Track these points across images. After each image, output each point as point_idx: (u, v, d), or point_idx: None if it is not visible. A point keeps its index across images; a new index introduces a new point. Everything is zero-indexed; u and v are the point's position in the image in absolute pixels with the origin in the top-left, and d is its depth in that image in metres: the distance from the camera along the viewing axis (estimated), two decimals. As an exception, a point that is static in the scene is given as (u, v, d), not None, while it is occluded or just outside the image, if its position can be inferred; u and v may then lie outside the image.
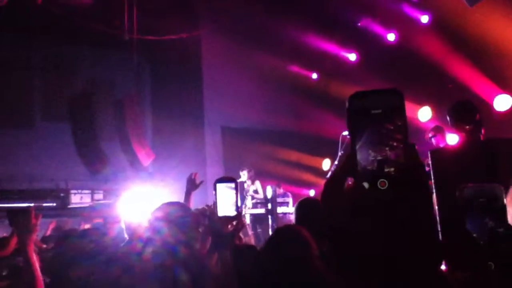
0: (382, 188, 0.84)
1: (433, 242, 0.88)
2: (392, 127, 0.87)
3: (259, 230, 7.54)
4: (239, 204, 2.24)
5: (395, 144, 0.86)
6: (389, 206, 0.85)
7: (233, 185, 2.23)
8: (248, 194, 7.73)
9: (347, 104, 0.92)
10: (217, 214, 2.21)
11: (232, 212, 2.20)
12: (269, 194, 7.47)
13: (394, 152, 0.86)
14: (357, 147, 0.88)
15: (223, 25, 9.06)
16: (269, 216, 7.28)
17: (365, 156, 0.87)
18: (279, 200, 7.58)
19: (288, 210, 7.37)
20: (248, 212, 7.67)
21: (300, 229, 2.22)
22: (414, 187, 0.86)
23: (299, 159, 9.85)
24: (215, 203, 2.24)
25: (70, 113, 10.00)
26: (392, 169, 0.85)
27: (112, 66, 10.33)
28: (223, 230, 2.20)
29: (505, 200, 1.24)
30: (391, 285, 0.83)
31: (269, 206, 7.36)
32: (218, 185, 2.24)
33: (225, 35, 9.02)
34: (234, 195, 2.22)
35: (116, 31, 8.46)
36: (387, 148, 0.86)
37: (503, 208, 1.23)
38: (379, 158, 0.86)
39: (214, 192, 2.24)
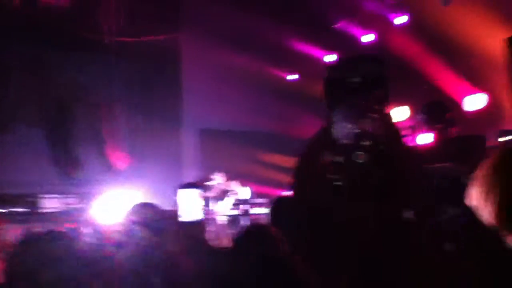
0: (359, 161, 0.80)
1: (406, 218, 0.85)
2: (370, 98, 0.81)
3: (233, 231, 7.52)
4: (203, 208, 2.22)
5: (373, 115, 0.81)
6: (364, 181, 0.82)
7: (196, 190, 2.21)
8: (223, 195, 7.72)
9: (325, 75, 0.85)
10: (180, 219, 2.19)
11: (196, 217, 2.18)
12: (245, 195, 7.48)
13: (372, 124, 0.81)
14: (334, 119, 0.83)
15: (203, 26, 9.03)
16: (244, 217, 7.29)
17: (341, 129, 0.82)
18: (256, 201, 7.59)
19: (263, 211, 7.39)
20: (222, 213, 7.66)
21: (268, 227, 2.20)
22: (391, 158, 0.82)
23: (279, 161, 9.85)
24: (177, 209, 2.22)
25: (44, 116, 9.81)
26: (369, 142, 0.80)
27: (89, 68, 10.17)
28: (187, 234, 2.18)
29: (465, 180, 1.25)
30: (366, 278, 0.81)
31: (244, 207, 7.38)
32: (181, 191, 2.21)
33: (205, 37, 8.99)
34: (199, 200, 2.20)
35: (93, 33, 8.35)
36: (364, 120, 0.81)
37: (463, 190, 1.23)
38: (356, 131, 0.81)
39: (176, 198, 2.23)
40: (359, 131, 0.79)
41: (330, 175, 0.84)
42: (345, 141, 0.80)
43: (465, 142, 3.08)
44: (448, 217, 1.19)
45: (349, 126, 0.80)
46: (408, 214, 0.86)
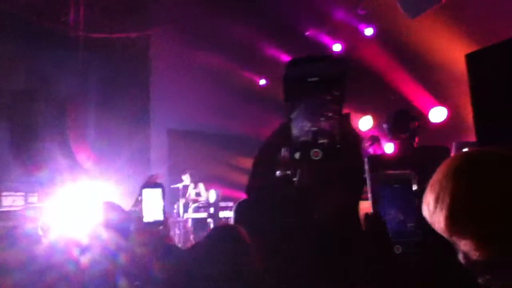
0: (315, 158, 0.82)
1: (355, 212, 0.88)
2: (328, 97, 0.84)
3: (200, 234, 7.49)
4: (165, 209, 2.22)
5: (330, 114, 0.84)
6: (320, 177, 0.84)
7: (159, 190, 2.21)
8: (190, 197, 7.66)
9: (284, 71, 0.88)
10: (142, 219, 2.17)
11: (159, 217, 2.18)
12: (212, 198, 7.44)
13: (329, 123, 0.84)
14: (292, 116, 0.85)
15: (173, 25, 8.95)
16: (211, 220, 7.25)
17: (299, 126, 0.85)
18: (222, 204, 7.56)
19: (231, 214, 7.37)
20: (189, 216, 7.60)
21: (237, 228, 2.23)
22: (346, 157, 0.85)
23: (246, 163, 9.87)
24: (141, 209, 2.21)
25: (7, 111, 9.48)
26: (326, 140, 0.83)
27: (56, 62, 9.90)
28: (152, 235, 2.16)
29: (415, 186, 1.29)
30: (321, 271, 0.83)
31: (212, 210, 7.33)
32: (145, 191, 2.21)
33: (175, 36, 8.92)
34: (161, 200, 2.20)
35: (62, 26, 8.14)
36: (322, 119, 0.83)
37: (413, 195, 1.27)
38: (313, 128, 0.84)
39: (139, 197, 2.22)
40: (316, 129, 0.82)
41: (287, 170, 0.87)
42: (303, 138, 0.83)
43: (429, 152, 3.18)
44: (396, 221, 1.24)
45: (307, 124, 0.83)
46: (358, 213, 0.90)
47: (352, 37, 8.51)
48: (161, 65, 9.58)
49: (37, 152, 9.28)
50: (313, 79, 0.85)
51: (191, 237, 7.46)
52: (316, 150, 0.83)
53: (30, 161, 9.04)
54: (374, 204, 1.20)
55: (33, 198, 6.73)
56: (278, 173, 0.90)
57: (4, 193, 6.33)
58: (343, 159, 0.83)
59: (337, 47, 8.93)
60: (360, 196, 0.89)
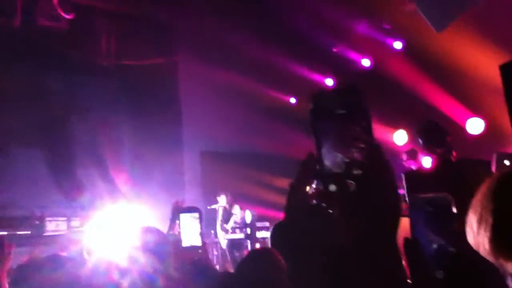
0: (350, 190, 0.81)
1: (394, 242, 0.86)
2: (357, 128, 0.84)
3: (237, 254, 7.46)
4: (203, 234, 2.23)
5: (362, 145, 0.83)
6: (355, 207, 0.82)
7: (197, 214, 2.22)
8: (228, 218, 7.68)
9: (310, 105, 0.88)
10: (181, 244, 2.19)
11: (197, 242, 2.18)
12: (248, 218, 7.43)
13: (361, 154, 0.83)
14: (323, 149, 0.85)
15: (201, 49, 9.14)
16: (248, 241, 7.22)
17: (332, 158, 0.84)
18: (259, 224, 7.52)
19: (267, 234, 7.33)
20: (226, 237, 7.59)
21: (272, 251, 2.22)
22: (381, 187, 0.83)
23: (278, 182, 9.86)
24: (179, 234, 2.23)
25: (45, 139, 9.83)
26: (360, 171, 0.82)
27: (89, 91, 10.25)
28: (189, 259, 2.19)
29: (454, 209, 1.24)
30: None
31: (248, 230, 7.30)
32: (182, 215, 2.23)
33: (203, 59, 9.09)
34: (198, 225, 2.21)
35: (93, 56, 8.45)
36: (354, 150, 0.83)
37: (451, 219, 1.22)
38: (346, 160, 0.83)
39: (178, 222, 2.23)
40: (349, 160, 0.81)
41: (321, 203, 0.86)
42: (335, 170, 0.82)
43: (469, 166, 3.07)
44: (437, 246, 1.20)
45: (339, 155, 0.82)
46: (396, 242, 0.86)
47: (380, 52, 8.46)
48: (191, 88, 9.75)
49: (77, 177, 9.56)
50: (340, 111, 0.85)
51: (228, 258, 7.45)
52: (351, 181, 0.82)
53: (71, 186, 9.31)
54: (413, 228, 1.17)
55: (75, 223, 6.91)
56: (313, 205, 0.89)
57: (48, 218, 6.53)
58: (378, 190, 0.82)
59: (365, 62, 8.90)
60: (397, 227, 0.87)
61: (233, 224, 7.63)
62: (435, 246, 1.18)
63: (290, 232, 0.88)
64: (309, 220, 0.87)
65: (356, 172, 0.82)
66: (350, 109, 0.84)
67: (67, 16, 7.46)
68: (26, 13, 6.97)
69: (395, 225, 0.87)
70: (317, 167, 0.84)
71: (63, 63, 8.70)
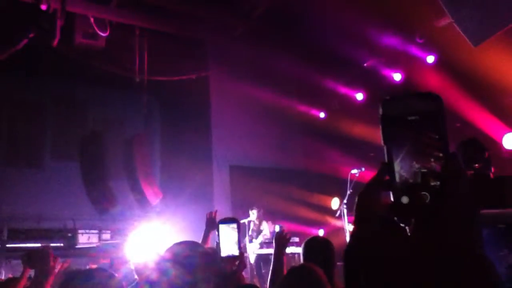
0: (426, 202, 0.75)
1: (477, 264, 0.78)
2: (434, 135, 0.79)
3: (263, 270, 7.39)
4: (241, 244, 2.24)
5: (440, 155, 0.78)
6: (431, 223, 0.76)
7: (235, 225, 2.23)
8: (257, 233, 7.65)
9: (380, 111, 0.82)
10: (220, 254, 2.20)
11: (235, 252, 2.19)
12: (277, 233, 7.35)
13: (438, 163, 0.77)
14: (398, 158, 0.79)
15: (231, 65, 9.25)
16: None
17: (407, 168, 0.78)
18: (288, 240, 7.45)
19: (297, 250, 7.24)
20: (255, 252, 7.54)
21: (314, 268, 2.19)
22: (458, 201, 0.76)
23: (308, 198, 9.77)
24: (218, 244, 2.23)
25: (79, 152, 10.09)
26: (438, 182, 0.76)
27: (122, 106, 10.51)
28: (226, 271, 2.18)
29: None
30: None
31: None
32: (221, 226, 2.24)
33: (233, 75, 9.18)
34: (237, 235, 2.21)
35: (127, 72, 8.66)
36: (432, 159, 0.76)
37: None
38: (423, 170, 0.77)
39: (217, 232, 2.24)
40: (426, 170, 0.75)
41: (394, 216, 0.78)
42: (412, 181, 0.76)
43: (503, 183, 2.96)
44: (508, 263, 1.13)
45: (415, 165, 0.76)
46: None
47: (411, 66, 8.35)
48: (221, 103, 9.85)
49: (108, 190, 9.75)
50: (413, 117, 0.79)
51: (255, 272, 7.39)
52: (425, 193, 0.76)
53: (103, 199, 9.50)
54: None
55: (106, 235, 7.02)
56: (383, 218, 0.81)
57: (80, 231, 6.66)
58: (456, 202, 0.75)
59: (397, 76, 8.79)
60: (476, 241, 0.79)
61: (262, 239, 7.60)
62: (508, 264, 1.11)
63: (362, 249, 0.80)
64: (382, 235, 0.80)
65: (433, 183, 0.76)
66: (424, 114, 0.78)
67: (103, 34, 7.69)
68: (63, 31, 7.22)
69: (474, 239, 0.79)
70: (389, 177, 0.79)
71: (98, 79, 8.96)
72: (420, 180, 0.74)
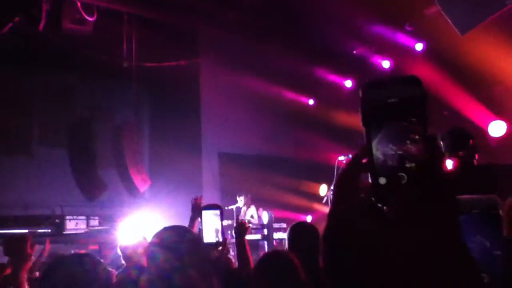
0: (401, 183, 0.77)
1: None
2: (413, 119, 0.80)
3: (253, 256, 7.45)
4: (224, 230, 2.27)
5: (416, 137, 0.79)
6: (407, 204, 0.78)
7: (218, 212, 2.25)
8: (245, 219, 7.70)
9: (360, 94, 0.84)
10: (202, 241, 2.22)
11: (217, 238, 2.21)
12: (265, 219, 7.43)
13: (416, 147, 0.78)
14: (376, 140, 0.81)
15: (221, 52, 9.20)
16: (265, 242, 7.22)
17: (384, 150, 0.80)
18: (276, 226, 7.52)
19: (285, 236, 7.30)
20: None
21: (288, 254, 2.22)
22: (435, 184, 0.78)
23: (296, 185, 9.84)
24: (200, 230, 2.26)
25: (67, 139, 10.02)
26: (414, 164, 0.78)
27: (111, 93, 10.43)
28: (208, 257, 2.21)
29: (500, 212, 1.18)
30: None
31: (265, 231, 7.31)
32: (204, 212, 2.26)
33: (223, 63, 9.14)
34: (220, 222, 2.24)
35: (115, 59, 8.58)
36: (408, 142, 0.77)
37: (499, 221, 1.16)
38: (399, 152, 0.79)
39: (200, 219, 2.27)
40: (403, 152, 0.77)
41: (372, 198, 0.79)
42: (389, 163, 0.77)
43: (488, 171, 3.02)
44: (481, 248, 1.14)
45: (392, 147, 0.77)
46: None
47: (400, 54, 8.39)
48: (211, 90, 9.82)
49: (96, 177, 9.72)
50: (393, 100, 0.80)
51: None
52: (402, 174, 0.78)
53: (92, 185, 9.48)
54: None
55: (94, 222, 7.02)
56: (361, 200, 0.83)
57: (68, 217, 6.65)
58: (432, 184, 0.77)
59: (386, 64, 8.82)
60: (455, 224, 0.80)
61: (250, 225, 7.66)
62: (480, 248, 1.13)
63: (343, 231, 0.81)
64: (361, 217, 0.81)
65: (409, 165, 0.78)
66: (404, 98, 0.79)
67: (90, 19, 7.59)
68: (50, 17, 7.11)
69: (453, 221, 0.81)
70: (368, 159, 0.80)
71: (86, 66, 8.86)
72: (396, 163, 0.76)
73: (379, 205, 0.78)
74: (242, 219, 3.07)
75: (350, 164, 0.83)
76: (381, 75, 8.23)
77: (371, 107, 0.80)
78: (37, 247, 2.57)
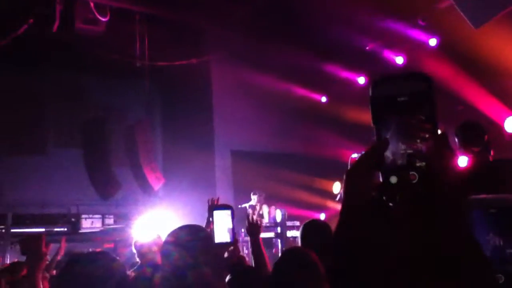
0: (412, 182, 0.76)
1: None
2: (422, 117, 0.77)
3: (269, 254, 7.46)
4: (235, 231, 2.27)
5: (426, 135, 0.78)
6: (417, 202, 0.77)
7: (229, 212, 2.26)
8: (261, 217, 7.72)
9: (369, 92, 0.83)
10: (214, 240, 2.23)
11: (228, 239, 2.22)
12: (279, 217, 7.43)
13: (425, 145, 0.77)
14: (384, 138, 0.80)
15: (232, 50, 9.19)
16: (279, 240, 7.22)
17: (394, 149, 0.79)
18: (289, 223, 7.51)
19: (298, 234, 7.29)
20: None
21: (307, 252, 2.22)
22: (446, 181, 0.77)
23: (309, 182, 9.81)
24: (212, 230, 2.27)
25: (82, 139, 10.14)
26: (424, 163, 0.77)
27: (123, 92, 10.51)
28: (219, 256, 2.21)
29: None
30: None
31: (279, 229, 7.30)
32: (216, 212, 2.27)
33: (234, 60, 9.14)
34: (231, 222, 2.24)
35: (127, 58, 8.63)
36: (418, 140, 0.75)
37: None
38: (409, 151, 0.78)
39: (211, 219, 2.27)
40: (412, 151, 0.75)
41: (382, 196, 0.78)
42: (399, 162, 0.76)
43: (503, 166, 2.96)
44: (493, 247, 1.12)
45: (402, 146, 0.76)
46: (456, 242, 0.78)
47: (414, 49, 8.29)
48: (223, 88, 9.83)
49: (111, 176, 9.82)
50: (402, 98, 0.79)
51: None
52: (413, 173, 0.76)
53: (106, 184, 9.58)
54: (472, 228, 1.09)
55: (109, 220, 7.09)
56: (370, 198, 0.82)
57: (83, 216, 6.73)
58: (443, 183, 0.76)
59: (399, 60, 8.73)
60: (464, 223, 0.79)
61: (263, 223, 7.68)
62: (492, 247, 1.11)
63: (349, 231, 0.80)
64: (372, 218, 0.80)
65: (419, 164, 0.76)
66: (413, 95, 0.78)
67: (103, 19, 7.65)
68: (63, 17, 7.19)
69: (461, 220, 0.79)
70: (378, 157, 0.79)
71: (100, 65, 8.94)
72: (405, 162, 0.75)
73: (390, 204, 0.77)
74: (252, 219, 3.07)
75: (359, 162, 0.82)
76: (392, 72, 8.14)
77: (380, 104, 0.79)
78: (53, 246, 2.61)
